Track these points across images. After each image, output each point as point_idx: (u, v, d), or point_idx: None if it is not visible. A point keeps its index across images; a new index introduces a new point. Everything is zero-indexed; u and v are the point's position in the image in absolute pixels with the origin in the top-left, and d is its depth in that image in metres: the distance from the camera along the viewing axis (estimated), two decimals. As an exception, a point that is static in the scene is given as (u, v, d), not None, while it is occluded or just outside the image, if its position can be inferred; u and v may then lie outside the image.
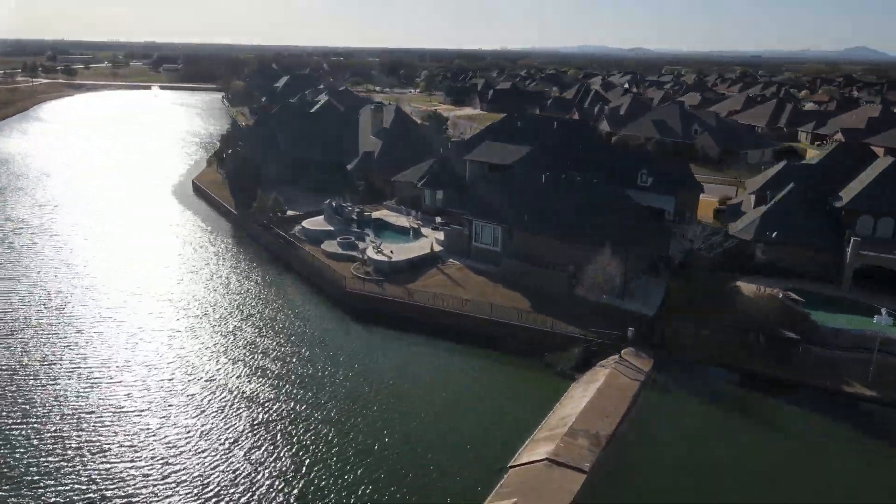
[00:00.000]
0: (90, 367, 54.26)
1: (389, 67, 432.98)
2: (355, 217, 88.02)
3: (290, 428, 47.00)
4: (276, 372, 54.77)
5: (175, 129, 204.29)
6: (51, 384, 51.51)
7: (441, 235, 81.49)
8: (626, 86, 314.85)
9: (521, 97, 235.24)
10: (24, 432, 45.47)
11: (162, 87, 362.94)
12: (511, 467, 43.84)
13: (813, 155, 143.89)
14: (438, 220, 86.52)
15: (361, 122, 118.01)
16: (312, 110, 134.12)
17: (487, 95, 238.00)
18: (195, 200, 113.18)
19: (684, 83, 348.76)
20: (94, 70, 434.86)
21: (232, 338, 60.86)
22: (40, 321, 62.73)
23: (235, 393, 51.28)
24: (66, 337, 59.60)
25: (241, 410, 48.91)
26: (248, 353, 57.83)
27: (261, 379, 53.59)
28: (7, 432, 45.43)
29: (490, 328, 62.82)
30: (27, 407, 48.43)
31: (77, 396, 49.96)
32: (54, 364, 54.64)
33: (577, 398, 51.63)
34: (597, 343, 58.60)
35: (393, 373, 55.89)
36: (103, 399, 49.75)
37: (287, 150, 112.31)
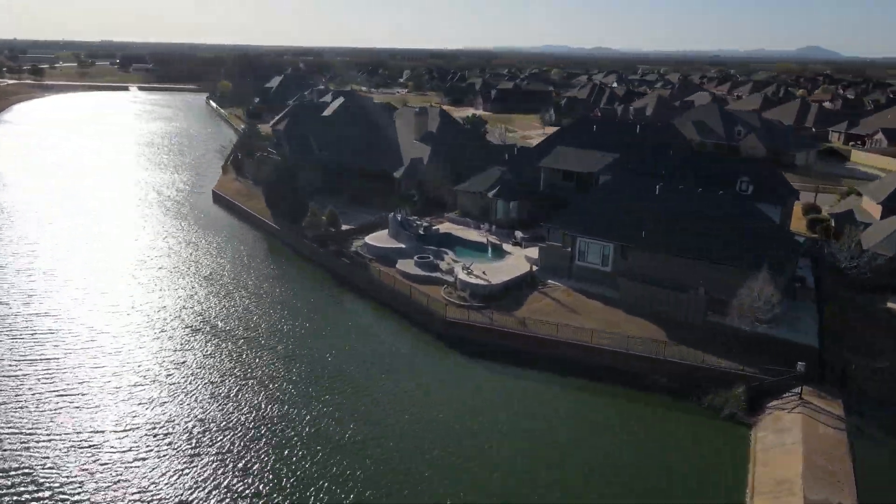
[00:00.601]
0: (181, 427, 44.35)
1: (371, 67, 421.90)
2: (422, 232, 79.07)
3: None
4: (408, 432, 45.61)
5: (166, 132, 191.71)
6: (133, 449, 41.77)
7: (529, 252, 73.21)
8: (615, 84, 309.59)
9: (526, 97, 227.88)
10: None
11: (141, 88, 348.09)
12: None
13: (859, 156, 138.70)
14: (519, 234, 78.02)
15: (400, 127, 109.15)
16: (327, 113, 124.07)
17: (490, 95, 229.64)
18: (220, 213, 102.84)
19: (670, 81, 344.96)
20: (61, 70, 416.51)
21: (337, 384, 51.16)
22: (97, 372, 52.05)
23: (376, 461, 42.12)
24: (134, 389, 49.39)
25: (391, 488, 39.91)
26: (363, 403, 48.40)
27: (395, 439, 44.46)
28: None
29: (626, 362, 54.64)
30: (111, 492, 38.72)
31: (172, 473, 40.06)
32: (132, 431, 44.34)
33: (780, 453, 43.58)
34: (763, 380, 50.73)
35: (532, 421, 47.54)
36: (207, 471, 40.04)
37: (322, 157, 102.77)
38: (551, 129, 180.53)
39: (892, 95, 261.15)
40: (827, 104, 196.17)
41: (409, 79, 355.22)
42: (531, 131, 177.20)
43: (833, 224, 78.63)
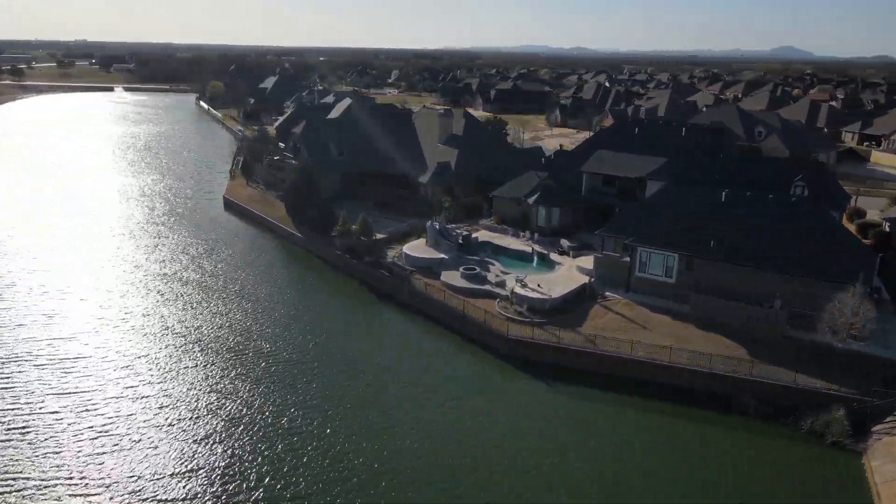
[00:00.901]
0: (249, 469, 39.61)
1: (360, 67, 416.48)
2: (461, 241, 74.87)
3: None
4: (515, 471, 41.63)
5: (160, 135, 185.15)
6: (200, 497, 36.96)
7: (581, 262, 69.31)
8: (607, 84, 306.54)
9: (524, 97, 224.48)
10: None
11: (126, 89, 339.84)
12: None
13: (879, 157, 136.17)
14: (566, 243, 74.03)
15: (419, 129, 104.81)
16: (335, 115, 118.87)
17: (489, 96, 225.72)
18: (235, 221, 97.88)
19: (661, 82, 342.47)
20: (41, 71, 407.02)
21: (405, 413, 46.80)
22: (139, 406, 47.22)
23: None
24: (186, 423, 44.66)
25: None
26: (439, 433, 44.15)
27: (499, 484, 40.49)
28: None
29: (708, 382, 50.85)
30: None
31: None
32: (194, 476, 39.63)
33: (908, 489, 40.03)
34: (866, 402, 47.11)
35: (615, 449, 43.98)
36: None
37: (341, 162, 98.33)
38: (559, 130, 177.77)
39: (881, 93, 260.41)
40: (833, 104, 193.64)
41: (400, 79, 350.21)
42: (538, 132, 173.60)
43: (888, 229, 75.39)
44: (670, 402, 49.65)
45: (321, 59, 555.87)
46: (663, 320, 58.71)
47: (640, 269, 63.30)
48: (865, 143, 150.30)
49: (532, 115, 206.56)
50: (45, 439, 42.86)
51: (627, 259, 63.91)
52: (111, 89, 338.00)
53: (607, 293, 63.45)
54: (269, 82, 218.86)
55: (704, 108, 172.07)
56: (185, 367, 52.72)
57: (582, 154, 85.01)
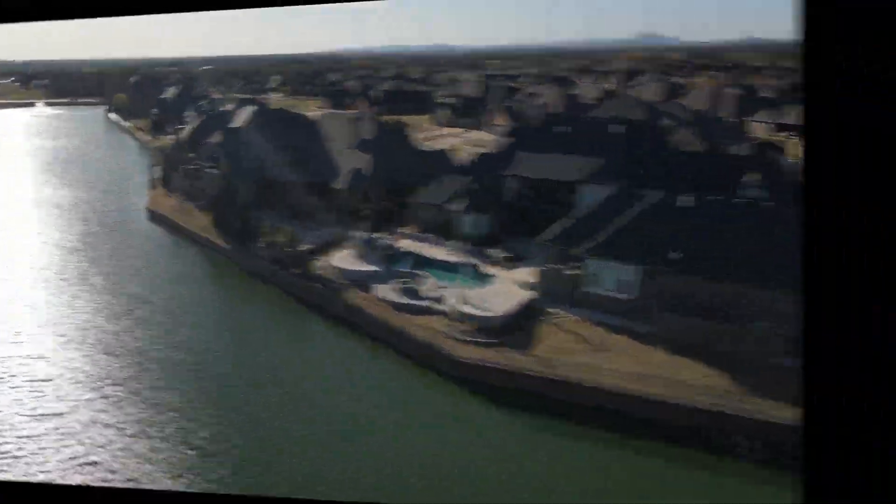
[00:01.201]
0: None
1: (246, 75, 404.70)
2: (386, 251, 69.21)
3: None
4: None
5: (75, 148, 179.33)
6: None
7: (517, 275, 63.66)
8: (487, 81, 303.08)
9: (408, 98, 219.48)
10: None
11: (47, 104, 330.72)
12: None
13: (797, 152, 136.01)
14: (498, 253, 68.24)
15: (328, 135, 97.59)
16: (239, 124, 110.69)
17: (375, 98, 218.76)
18: (161, 232, 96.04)
19: (530, 74, 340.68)
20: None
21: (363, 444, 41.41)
22: (112, 431, 44.40)
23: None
24: (171, 452, 38.55)
25: None
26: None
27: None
28: None
29: (694, 418, 44.88)
30: None
31: None
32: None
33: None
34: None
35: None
36: None
37: (255, 170, 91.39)
38: (448, 130, 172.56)
39: (772, 78, 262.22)
40: (734, 92, 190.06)
41: (283, 84, 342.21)
42: (427, 133, 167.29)
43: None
44: (645, 438, 44.11)
45: (205, 67, 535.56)
46: (625, 342, 53.10)
47: (589, 283, 57.97)
48: (783, 134, 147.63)
49: (416, 115, 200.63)
50: (35, 471, 41.03)
51: (575, 272, 58.59)
52: (32, 105, 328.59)
53: (552, 309, 57.81)
54: (168, 92, 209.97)
55: (594, 102, 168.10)
56: (148, 390, 50.80)
57: (502, 156, 79.40)
